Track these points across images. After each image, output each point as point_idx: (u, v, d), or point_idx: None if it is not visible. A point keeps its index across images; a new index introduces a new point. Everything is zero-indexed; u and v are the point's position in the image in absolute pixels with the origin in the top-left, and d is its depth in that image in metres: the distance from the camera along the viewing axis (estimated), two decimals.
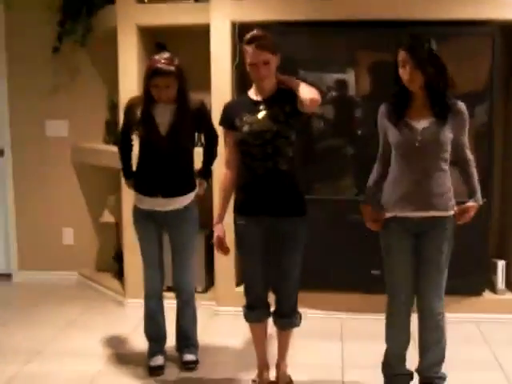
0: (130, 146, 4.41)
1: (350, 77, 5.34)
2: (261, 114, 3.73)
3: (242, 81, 5.15)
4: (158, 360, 4.36)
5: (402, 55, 3.54)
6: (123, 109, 4.31)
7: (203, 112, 4.27)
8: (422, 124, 3.59)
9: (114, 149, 5.58)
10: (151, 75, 3.99)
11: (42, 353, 4.65)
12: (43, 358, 4.57)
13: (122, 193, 5.48)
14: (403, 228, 3.71)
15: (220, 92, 5.11)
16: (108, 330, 5.10)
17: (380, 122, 3.76)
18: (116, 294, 5.80)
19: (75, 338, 4.94)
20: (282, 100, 3.73)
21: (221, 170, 3.98)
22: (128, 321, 5.27)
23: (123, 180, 4.54)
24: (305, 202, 3.83)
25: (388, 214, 3.73)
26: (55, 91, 6.04)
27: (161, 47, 5.39)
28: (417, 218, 3.67)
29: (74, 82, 6.04)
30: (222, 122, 3.87)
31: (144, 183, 4.22)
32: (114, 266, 6.12)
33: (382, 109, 3.76)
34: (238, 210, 3.86)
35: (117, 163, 5.38)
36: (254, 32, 3.68)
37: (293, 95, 3.71)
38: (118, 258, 5.99)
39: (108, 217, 6.06)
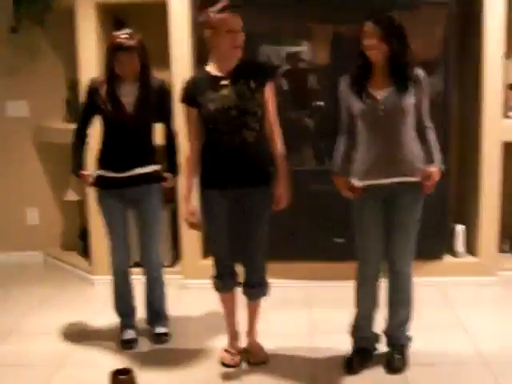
0: (86, 136, 4.37)
1: (306, 49, 5.40)
2: (225, 91, 3.75)
3: (201, 57, 5.21)
4: (130, 334, 4.43)
5: (367, 27, 3.61)
6: (85, 90, 4.29)
7: (164, 93, 4.30)
8: (383, 93, 3.67)
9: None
10: (114, 51, 4.03)
11: (14, 333, 4.68)
12: (15, 338, 4.60)
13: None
14: (374, 195, 3.80)
15: (180, 67, 5.13)
16: (78, 308, 5.14)
17: (342, 94, 3.82)
18: (83, 272, 5.82)
19: (46, 317, 4.96)
20: (246, 75, 3.75)
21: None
22: (97, 298, 5.32)
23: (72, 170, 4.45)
24: (271, 173, 3.87)
25: (360, 183, 3.80)
26: (15, 72, 5.98)
27: (119, 24, 5.39)
28: (387, 185, 3.76)
29: (33, 62, 5.98)
30: (184, 100, 3.86)
31: (112, 160, 4.24)
32: (80, 244, 6.13)
33: (343, 81, 3.82)
34: (204, 183, 3.90)
35: None
36: (225, 1, 3.71)
37: (256, 69, 3.77)
38: (84, 236, 6.01)
39: (72, 195, 6.05)
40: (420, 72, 3.72)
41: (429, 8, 5.09)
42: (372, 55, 3.64)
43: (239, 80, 3.75)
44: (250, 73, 3.77)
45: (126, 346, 4.36)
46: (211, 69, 3.82)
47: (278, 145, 3.85)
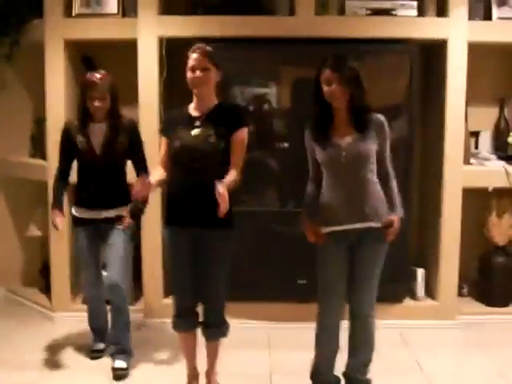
0: (67, 176, 4.58)
1: (273, 91, 5.46)
2: (194, 131, 3.80)
3: (168, 96, 5.26)
4: (100, 345, 4.68)
5: (327, 74, 3.67)
6: (61, 131, 4.53)
7: (134, 131, 4.52)
8: (346, 140, 3.73)
9: (41, 162, 5.61)
10: (86, 88, 4.30)
11: None
12: None
13: (49, 206, 5.47)
14: (338, 241, 3.82)
15: (147, 106, 5.17)
16: (38, 344, 5.06)
17: (307, 144, 3.87)
18: (44, 309, 5.74)
19: (7, 352, 4.91)
20: (219, 119, 3.80)
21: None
22: (57, 334, 5.23)
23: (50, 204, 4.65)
24: (231, 216, 3.83)
25: (325, 229, 3.84)
26: None
27: (87, 61, 5.43)
28: (352, 230, 3.79)
29: None
30: (160, 130, 4.09)
31: (84, 197, 4.48)
32: (41, 280, 6.07)
33: (307, 131, 3.87)
34: (166, 221, 3.96)
35: (43, 176, 5.40)
36: (202, 44, 3.81)
37: (230, 114, 3.83)
38: (45, 272, 5.95)
39: (34, 230, 6.02)
40: (381, 117, 3.79)
41: (393, 55, 5.21)
42: (333, 101, 3.69)
43: (210, 123, 3.80)
44: (223, 117, 3.82)
45: (95, 355, 4.66)
46: (191, 108, 3.91)
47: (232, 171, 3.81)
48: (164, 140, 3.99)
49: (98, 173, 4.42)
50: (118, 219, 4.46)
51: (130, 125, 4.47)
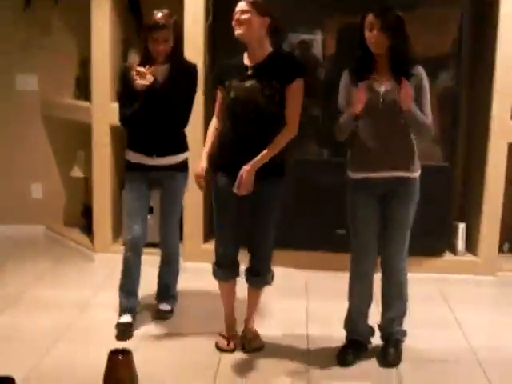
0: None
1: (318, 39, 5.40)
2: (248, 83, 3.77)
3: (214, 41, 5.23)
4: (127, 317, 4.36)
5: (370, 18, 3.63)
6: (119, 75, 4.37)
7: (192, 75, 4.31)
8: (383, 87, 3.69)
9: (84, 104, 5.64)
10: (150, 29, 4.09)
11: (14, 305, 4.70)
12: (15, 311, 4.63)
13: (92, 148, 5.52)
14: (369, 189, 3.81)
15: (194, 51, 5.13)
16: (78, 283, 5.17)
17: (343, 85, 3.82)
18: (85, 249, 5.84)
19: (46, 291, 4.99)
20: (272, 70, 3.76)
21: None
22: (97, 274, 5.36)
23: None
24: (283, 164, 3.87)
25: (357, 175, 3.82)
26: (26, 46, 5.99)
27: (134, 5, 5.41)
28: (382, 179, 3.77)
29: (45, 37, 5.98)
30: (214, 80, 4.01)
31: (139, 142, 4.30)
32: (82, 221, 6.16)
33: (345, 75, 3.82)
34: (216, 167, 3.93)
35: (87, 118, 5.43)
36: None
37: (283, 66, 3.77)
38: (86, 213, 6.03)
39: (77, 172, 6.08)
40: (420, 68, 3.73)
41: (442, 7, 5.09)
42: (372, 46, 3.65)
43: (264, 74, 3.77)
44: (276, 68, 3.77)
45: (120, 329, 4.28)
46: (245, 57, 3.87)
47: (281, 138, 3.81)
48: (219, 89, 3.95)
49: (157, 118, 4.18)
50: (179, 167, 4.36)
51: (190, 67, 4.29)
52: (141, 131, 4.27)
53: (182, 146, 4.37)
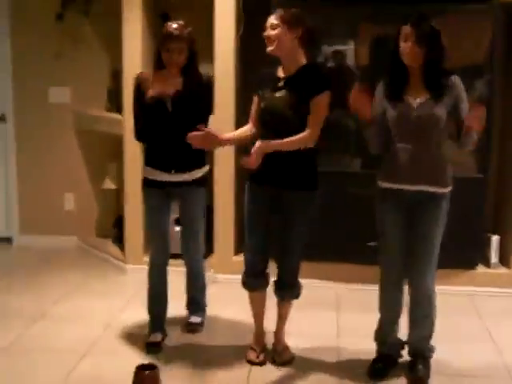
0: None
1: (351, 49, 5.39)
2: (279, 93, 3.80)
3: (245, 53, 5.23)
4: (157, 336, 4.32)
5: (405, 29, 3.60)
6: (133, 87, 4.23)
7: (207, 87, 4.27)
8: (417, 100, 3.66)
9: (116, 116, 5.67)
10: (164, 39, 4.04)
11: (45, 316, 4.74)
12: (45, 322, 4.66)
13: (124, 160, 5.55)
14: (398, 202, 3.78)
15: (223, 63, 5.16)
16: (109, 296, 5.19)
17: (378, 100, 3.80)
18: (116, 260, 5.87)
19: (77, 303, 5.03)
20: (300, 83, 3.77)
21: None
22: (129, 286, 5.36)
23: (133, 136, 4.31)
24: (314, 178, 3.88)
25: (385, 185, 3.80)
26: (59, 58, 6.04)
27: (165, 18, 5.42)
28: (412, 192, 3.74)
29: (77, 49, 6.04)
30: (255, 88, 4.00)
31: (156, 158, 4.21)
32: (114, 232, 6.19)
33: (380, 87, 3.81)
34: (249, 177, 3.95)
35: (119, 130, 5.45)
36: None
37: (311, 79, 3.77)
38: (118, 224, 6.06)
39: (109, 184, 6.12)
40: (455, 78, 3.68)
41: (474, 15, 5.05)
42: (405, 58, 3.62)
43: (292, 87, 3.78)
44: (304, 81, 3.78)
45: (151, 348, 4.24)
46: (280, 69, 3.90)
47: (298, 138, 3.76)
48: (256, 97, 3.97)
49: (171, 132, 4.10)
50: (199, 182, 4.28)
51: (206, 79, 4.23)
52: (158, 146, 4.20)
53: (201, 161, 4.31)
